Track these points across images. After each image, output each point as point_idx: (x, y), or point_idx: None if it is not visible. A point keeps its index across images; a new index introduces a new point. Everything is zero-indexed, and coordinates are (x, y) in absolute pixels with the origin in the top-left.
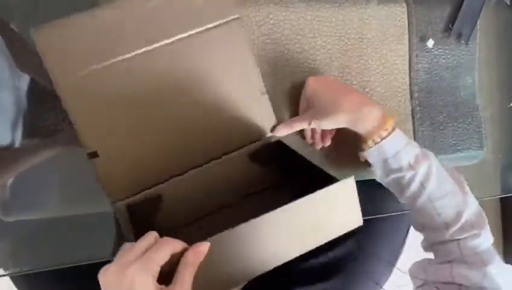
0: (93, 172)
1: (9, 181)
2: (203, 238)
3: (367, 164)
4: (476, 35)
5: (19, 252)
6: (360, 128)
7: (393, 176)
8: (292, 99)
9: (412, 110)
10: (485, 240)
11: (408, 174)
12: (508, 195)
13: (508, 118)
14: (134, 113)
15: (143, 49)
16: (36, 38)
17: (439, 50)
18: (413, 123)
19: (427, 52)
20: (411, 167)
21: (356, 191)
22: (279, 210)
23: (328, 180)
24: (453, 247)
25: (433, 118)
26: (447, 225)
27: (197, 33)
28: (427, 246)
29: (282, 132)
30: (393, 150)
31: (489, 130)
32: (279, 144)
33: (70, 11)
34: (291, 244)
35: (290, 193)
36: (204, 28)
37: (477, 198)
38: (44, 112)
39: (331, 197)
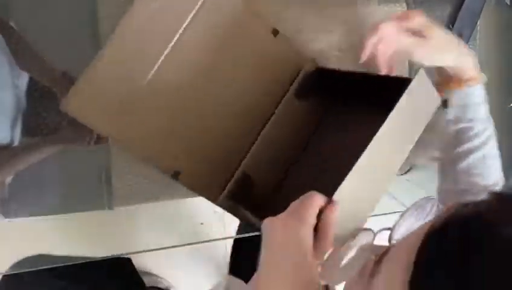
0: (94, 173)
1: (8, 180)
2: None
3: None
4: (476, 36)
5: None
6: (460, 72)
7: (463, 125)
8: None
9: None
10: None
11: (478, 127)
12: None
13: (508, 119)
14: (185, 115)
15: (165, 53)
16: (70, 111)
17: None
18: None
19: None
20: (488, 119)
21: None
22: (383, 129)
23: (397, 82)
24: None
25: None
26: (486, 188)
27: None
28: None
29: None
30: (477, 100)
31: None
32: (319, 70)
33: (70, 10)
34: (396, 158)
35: (348, 118)
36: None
37: None
38: (43, 111)
39: (413, 93)
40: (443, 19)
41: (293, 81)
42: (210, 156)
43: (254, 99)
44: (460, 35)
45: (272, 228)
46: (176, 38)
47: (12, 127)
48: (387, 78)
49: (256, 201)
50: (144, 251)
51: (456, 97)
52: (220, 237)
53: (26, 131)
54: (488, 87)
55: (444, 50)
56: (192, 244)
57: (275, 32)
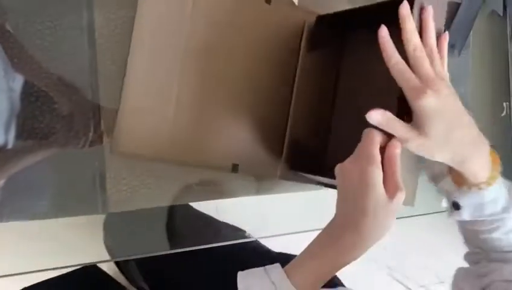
0: (88, 177)
1: (1, 183)
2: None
3: None
4: (469, 46)
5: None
6: (467, 175)
7: (481, 218)
8: None
9: None
10: None
11: (497, 217)
12: None
13: (501, 128)
14: (218, 109)
15: (180, 56)
16: (122, 154)
17: None
18: None
19: None
20: (505, 210)
21: None
22: None
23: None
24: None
25: None
26: None
27: None
28: (480, 259)
29: (378, 119)
30: (494, 195)
31: None
32: (320, 19)
33: (66, 12)
34: None
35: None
36: None
37: None
38: (38, 114)
39: None
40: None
41: (301, 39)
42: (256, 138)
43: (273, 70)
44: (453, 46)
45: (343, 172)
46: (185, 38)
47: (6, 130)
48: (386, 3)
49: (313, 163)
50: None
51: (467, 199)
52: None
53: (20, 134)
54: (481, 97)
55: (442, 150)
56: (191, 248)
57: (268, 0)
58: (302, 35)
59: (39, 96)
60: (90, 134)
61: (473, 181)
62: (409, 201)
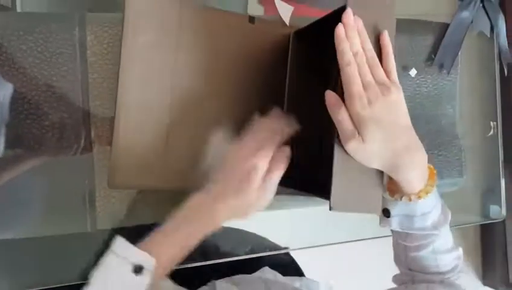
0: (77, 192)
1: None
2: None
3: None
4: (457, 66)
5: None
6: (401, 184)
7: (409, 231)
8: None
9: None
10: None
11: (426, 233)
12: (487, 222)
13: (487, 147)
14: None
15: (170, 84)
16: (119, 187)
17: (421, 79)
18: None
19: (410, 81)
20: (434, 227)
21: None
22: None
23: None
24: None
25: None
26: (440, 273)
27: None
28: (407, 280)
29: (331, 100)
30: (424, 210)
31: (469, 158)
32: (299, 33)
33: (59, 30)
34: None
35: None
36: None
37: (457, 226)
38: (27, 123)
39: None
40: (425, 49)
41: (287, 55)
42: None
43: (263, 90)
44: (442, 65)
45: (237, 152)
46: (173, 61)
47: None
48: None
49: (306, 181)
50: None
51: (397, 209)
52: None
53: (9, 143)
54: (469, 116)
55: (378, 156)
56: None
57: (252, 20)
58: (288, 51)
59: (30, 106)
60: (82, 142)
61: (405, 191)
62: (374, 208)
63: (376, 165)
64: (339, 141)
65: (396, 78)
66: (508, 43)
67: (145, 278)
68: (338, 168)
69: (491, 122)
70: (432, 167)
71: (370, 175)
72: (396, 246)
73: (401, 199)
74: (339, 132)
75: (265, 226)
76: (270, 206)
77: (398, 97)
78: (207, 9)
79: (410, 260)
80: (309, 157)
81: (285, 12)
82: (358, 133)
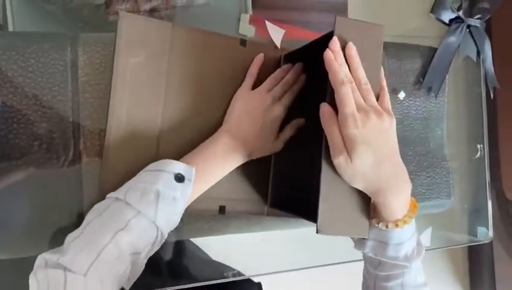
0: (65, 210)
1: None
2: None
3: None
4: (445, 89)
5: None
6: (382, 211)
7: (381, 258)
8: None
9: None
10: None
11: (398, 263)
12: (474, 244)
13: (475, 169)
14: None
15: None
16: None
17: (410, 102)
18: None
19: (399, 103)
20: (406, 259)
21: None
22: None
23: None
24: None
25: None
26: None
27: None
28: None
29: (324, 110)
30: (399, 240)
31: (457, 180)
32: (289, 55)
33: (50, 49)
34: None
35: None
36: None
37: (445, 247)
38: (16, 141)
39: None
40: (414, 72)
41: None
42: (241, 177)
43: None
44: (430, 88)
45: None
46: (164, 86)
47: None
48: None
49: (296, 202)
50: None
51: (372, 233)
52: None
53: None
54: (456, 138)
55: (361, 178)
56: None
57: (243, 42)
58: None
59: (19, 126)
60: (70, 156)
61: (383, 217)
62: (362, 232)
63: (360, 185)
64: (328, 157)
65: (390, 107)
66: (494, 67)
67: (187, 189)
68: (325, 187)
69: (478, 145)
70: (414, 200)
71: (358, 197)
72: (366, 274)
73: (378, 224)
74: (329, 145)
75: (242, 248)
76: (256, 228)
77: (390, 124)
78: (198, 31)
79: (378, 289)
80: (296, 178)
81: (277, 35)
82: (347, 151)
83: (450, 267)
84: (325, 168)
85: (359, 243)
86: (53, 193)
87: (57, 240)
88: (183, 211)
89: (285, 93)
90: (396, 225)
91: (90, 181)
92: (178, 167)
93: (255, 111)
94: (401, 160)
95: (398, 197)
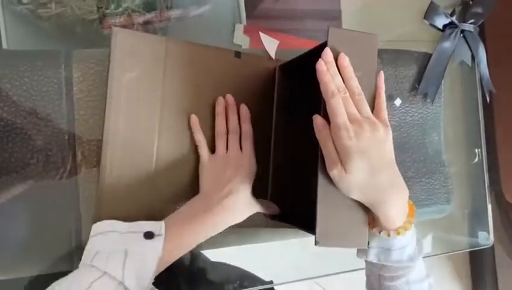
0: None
1: None
2: None
3: None
4: (441, 95)
5: None
6: (380, 218)
7: (385, 263)
8: None
9: None
10: None
11: (402, 265)
12: (474, 249)
13: (473, 174)
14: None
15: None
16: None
17: (407, 108)
18: None
19: (395, 110)
20: (410, 259)
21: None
22: None
23: None
24: None
25: (402, 174)
26: None
27: None
28: None
29: (318, 123)
30: (402, 244)
31: (455, 185)
32: (283, 66)
33: (44, 67)
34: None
35: None
36: None
37: (446, 253)
38: (11, 161)
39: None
40: (409, 79)
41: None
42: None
43: (253, 121)
44: (426, 94)
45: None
46: (160, 101)
47: None
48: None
49: (294, 213)
50: None
51: (375, 242)
52: None
53: None
54: (454, 143)
55: (358, 189)
56: None
57: (238, 54)
58: (274, 84)
59: (14, 144)
60: (66, 172)
61: (384, 226)
62: (361, 243)
63: (356, 196)
64: (324, 169)
65: (386, 117)
66: (489, 71)
67: (157, 244)
68: (322, 200)
69: (476, 149)
70: (411, 203)
71: (356, 209)
72: (370, 274)
73: (379, 233)
74: (325, 157)
75: (250, 258)
76: (255, 239)
77: (385, 135)
78: (193, 45)
79: (384, 288)
80: (295, 189)
81: (271, 46)
82: (342, 163)
83: (452, 272)
84: (321, 181)
85: (361, 251)
86: (48, 211)
87: (52, 259)
88: (156, 268)
89: (241, 142)
90: (398, 233)
91: (86, 199)
92: (146, 225)
93: (222, 175)
94: (397, 169)
95: (396, 207)
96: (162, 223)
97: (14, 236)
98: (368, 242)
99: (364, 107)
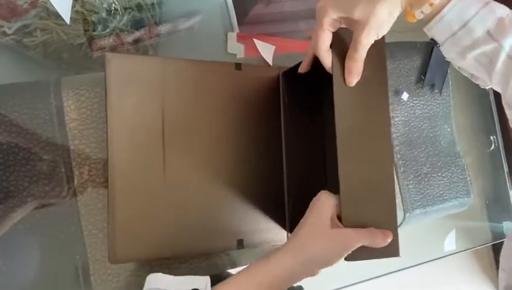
0: (69, 263)
1: None
2: None
3: None
4: (449, 84)
5: None
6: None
7: (470, 54)
8: None
9: (395, 165)
10: None
11: (489, 48)
12: (498, 241)
13: (490, 162)
14: (217, 186)
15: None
16: (121, 261)
17: (415, 101)
18: (397, 178)
19: (403, 104)
20: (491, 37)
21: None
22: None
23: None
24: None
25: (417, 170)
26: None
27: None
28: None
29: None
30: (460, 19)
31: (473, 176)
32: (286, 73)
33: (33, 99)
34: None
35: None
36: None
37: (472, 248)
38: (11, 173)
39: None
40: (414, 71)
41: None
42: (256, 207)
43: (261, 132)
44: (433, 85)
45: None
46: (161, 119)
47: None
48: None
49: None
50: None
51: (435, 30)
52: None
53: None
54: (467, 133)
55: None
56: None
57: (238, 66)
58: (278, 92)
59: (9, 183)
60: (66, 204)
61: (415, 5)
62: (393, 251)
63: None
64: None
65: None
66: None
67: None
68: (347, 208)
69: (491, 137)
70: None
71: (386, 216)
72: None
73: (427, 18)
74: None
75: None
76: None
77: None
78: (191, 61)
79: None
80: (310, 195)
81: (267, 52)
82: None
83: (477, 267)
84: (343, 187)
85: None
86: (48, 244)
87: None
88: None
89: None
90: (430, 4)
91: (91, 232)
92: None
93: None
94: None
95: None
96: (207, 278)
97: (15, 276)
98: (435, 40)
99: None
